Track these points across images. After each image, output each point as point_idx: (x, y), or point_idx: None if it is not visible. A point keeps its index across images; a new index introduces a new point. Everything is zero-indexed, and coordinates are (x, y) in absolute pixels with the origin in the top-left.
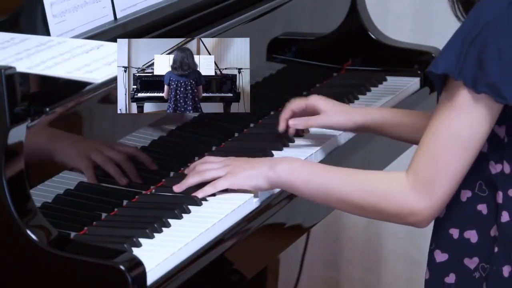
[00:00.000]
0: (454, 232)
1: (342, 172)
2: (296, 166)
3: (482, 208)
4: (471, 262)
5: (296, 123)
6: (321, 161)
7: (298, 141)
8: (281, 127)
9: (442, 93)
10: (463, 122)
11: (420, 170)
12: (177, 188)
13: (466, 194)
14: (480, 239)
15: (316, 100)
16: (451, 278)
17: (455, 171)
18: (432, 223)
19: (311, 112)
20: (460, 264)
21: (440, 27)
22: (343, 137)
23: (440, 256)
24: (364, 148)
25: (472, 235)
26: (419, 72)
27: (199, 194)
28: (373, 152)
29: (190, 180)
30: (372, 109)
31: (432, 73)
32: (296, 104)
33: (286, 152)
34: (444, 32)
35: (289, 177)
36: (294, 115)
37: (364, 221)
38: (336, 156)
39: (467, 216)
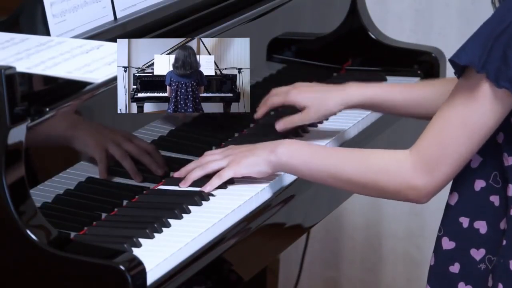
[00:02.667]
0: (464, 221)
1: (342, 151)
2: (296, 148)
3: (495, 199)
4: (478, 253)
5: (284, 127)
6: None
7: None
8: (257, 116)
9: (460, 79)
10: (476, 113)
11: (424, 149)
12: (183, 184)
13: (480, 184)
14: (489, 231)
15: (295, 97)
16: (455, 268)
17: (458, 157)
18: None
19: (291, 105)
20: (466, 254)
21: (440, 27)
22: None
23: (447, 244)
24: (365, 148)
25: (481, 226)
26: (419, 72)
27: (207, 188)
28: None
29: (194, 174)
30: (356, 88)
31: (455, 63)
32: (276, 101)
33: None
34: (444, 32)
35: (290, 159)
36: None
37: (364, 221)
38: None
39: (479, 206)
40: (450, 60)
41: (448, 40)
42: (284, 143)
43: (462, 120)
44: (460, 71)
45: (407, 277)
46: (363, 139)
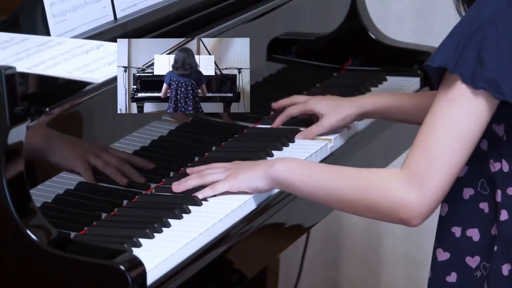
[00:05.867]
0: (457, 231)
1: (337, 169)
2: (294, 165)
3: (484, 206)
4: (473, 261)
5: (305, 137)
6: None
7: (298, 141)
8: (275, 125)
9: (440, 87)
10: (459, 117)
11: (414, 163)
12: (176, 188)
13: (469, 192)
14: (481, 238)
15: (313, 106)
16: (452, 277)
17: (449, 166)
18: (427, 222)
19: (310, 114)
20: (462, 263)
21: (440, 27)
22: (339, 140)
23: (442, 255)
24: (362, 150)
25: (474, 234)
26: (419, 72)
27: (199, 195)
28: (372, 153)
29: (190, 182)
30: (370, 97)
31: (430, 67)
32: (295, 110)
33: (286, 152)
34: (444, 32)
35: (286, 175)
36: (291, 117)
37: (364, 221)
38: (332, 159)
39: (469, 214)
40: (425, 66)
41: None
42: (283, 159)
43: (447, 126)
44: (436, 77)
45: (407, 277)
46: (372, 132)
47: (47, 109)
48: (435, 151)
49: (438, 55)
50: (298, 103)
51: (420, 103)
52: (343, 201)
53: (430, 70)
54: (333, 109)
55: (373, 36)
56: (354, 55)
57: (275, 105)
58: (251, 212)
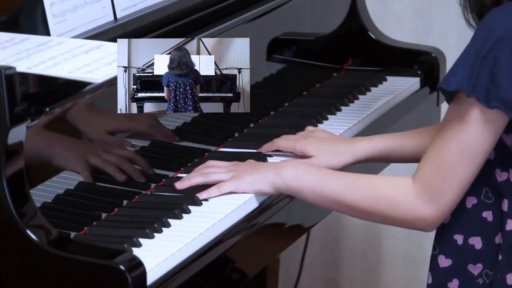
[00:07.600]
0: (459, 238)
1: (347, 177)
2: (301, 171)
3: (488, 215)
4: (475, 268)
5: None
6: None
7: None
8: (261, 150)
9: (451, 105)
10: (472, 136)
11: (426, 179)
12: (179, 185)
13: (471, 201)
14: (484, 246)
15: (304, 146)
16: (454, 284)
17: (461, 181)
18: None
19: (300, 154)
20: (464, 270)
21: (440, 27)
22: None
23: (444, 262)
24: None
25: (476, 242)
26: (419, 72)
27: (204, 195)
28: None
29: (193, 180)
30: (366, 141)
31: (444, 90)
32: (284, 145)
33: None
34: (444, 32)
35: (295, 182)
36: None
37: (364, 221)
38: None
39: (472, 223)
40: (439, 88)
41: (448, 40)
42: (289, 165)
43: (459, 145)
44: (450, 96)
45: (407, 277)
46: None
47: (47, 109)
48: (447, 169)
49: (453, 78)
50: (289, 140)
51: (420, 142)
52: (355, 211)
53: (444, 92)
54: (327, 152)
55: (373, 36)
56: (354, 55)
57: (262, 149)
58: (251, 212)
